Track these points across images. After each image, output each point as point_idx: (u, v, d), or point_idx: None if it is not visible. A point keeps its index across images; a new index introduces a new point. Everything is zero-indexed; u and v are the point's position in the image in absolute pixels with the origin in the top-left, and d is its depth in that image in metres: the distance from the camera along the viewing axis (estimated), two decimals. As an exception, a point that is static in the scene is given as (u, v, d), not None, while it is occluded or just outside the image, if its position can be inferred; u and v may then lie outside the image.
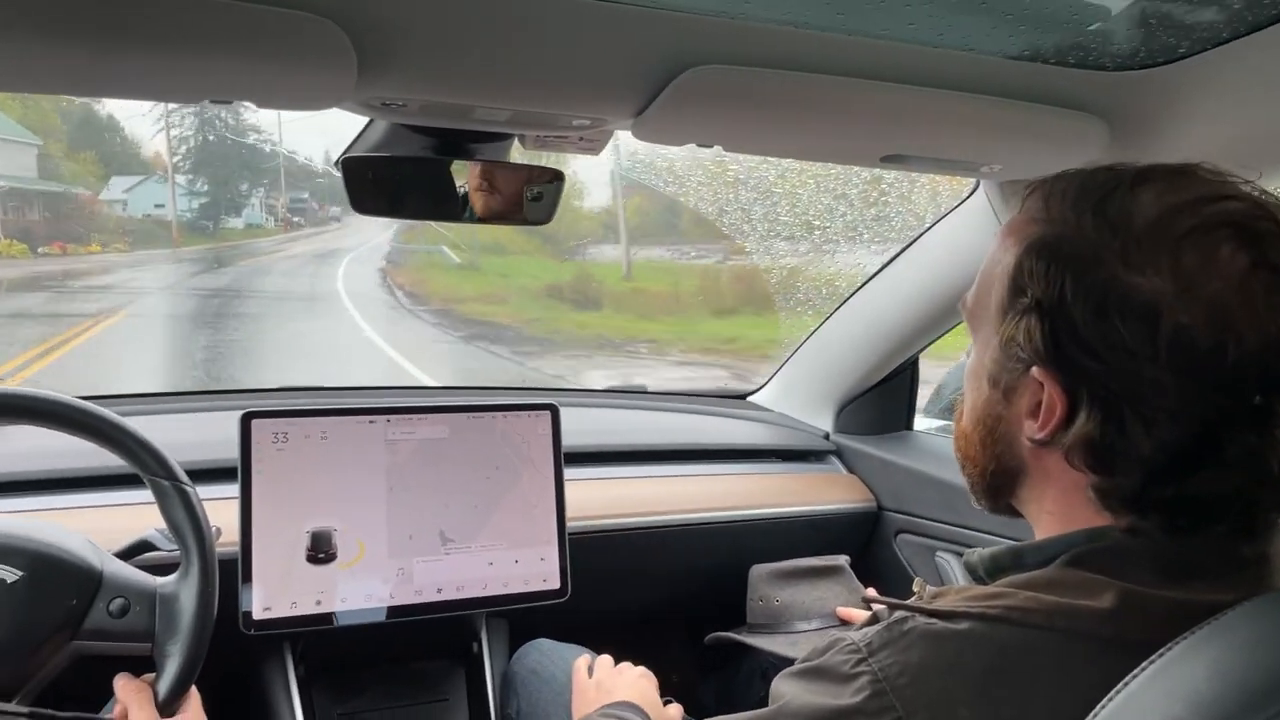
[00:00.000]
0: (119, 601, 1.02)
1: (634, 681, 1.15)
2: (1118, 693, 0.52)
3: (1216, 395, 0.60)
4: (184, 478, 1.05)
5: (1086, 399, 0.64)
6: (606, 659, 1.24)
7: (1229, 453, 0.61)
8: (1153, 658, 0.53)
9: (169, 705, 0.99)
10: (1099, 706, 0.52)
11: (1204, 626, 0.54)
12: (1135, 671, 0.53)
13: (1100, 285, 0.63)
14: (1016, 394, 0.69)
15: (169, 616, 1.02)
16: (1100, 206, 0.65)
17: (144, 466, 1.04)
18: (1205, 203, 0.63)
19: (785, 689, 0.70)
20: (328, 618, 1.28)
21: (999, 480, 0.74)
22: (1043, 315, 0.65)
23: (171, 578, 1.05)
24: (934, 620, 0.64)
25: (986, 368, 0.72)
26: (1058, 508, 0.70)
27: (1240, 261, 0.60)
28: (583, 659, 1.24)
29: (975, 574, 0.74)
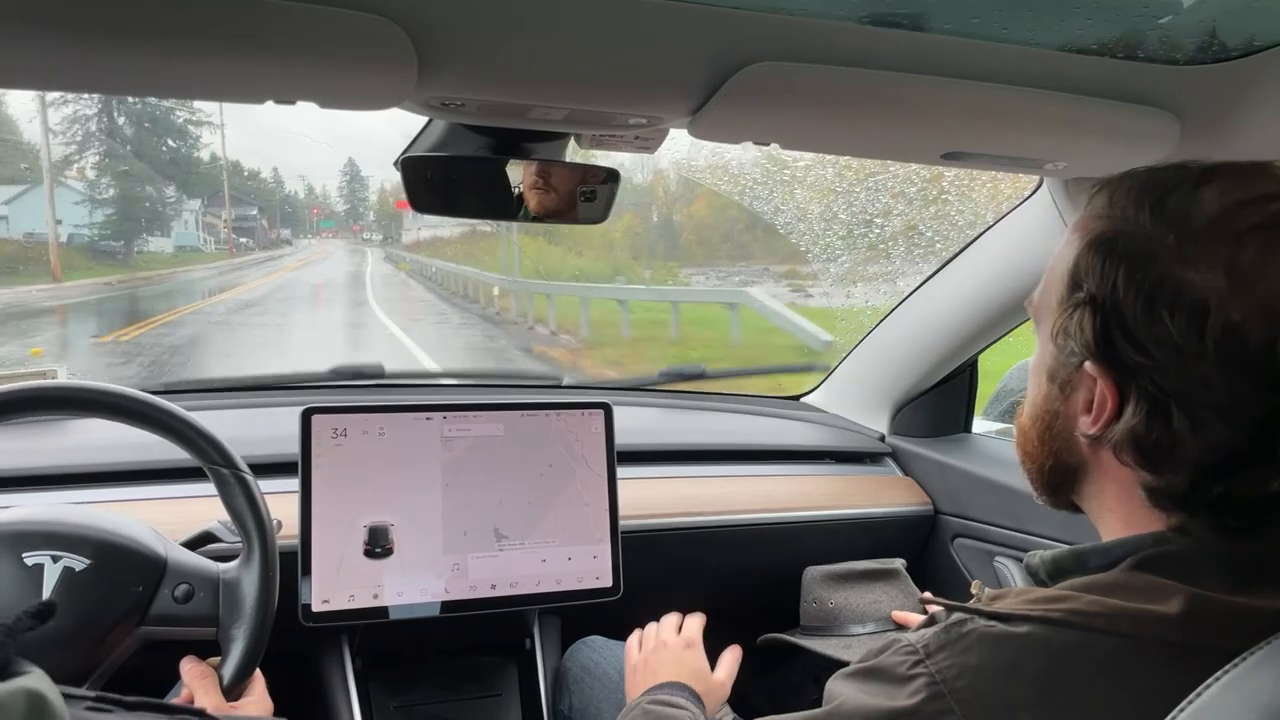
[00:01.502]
0: (184, 587, 1.05)
1: (678, 656, 1.15)
2: (1189, 703, 0.51)
3: (1267, 393, 0.60)
4: (243, 467, 1.07)
5: (1134, 394, 0.64)
6: (651, 629, 1.24)
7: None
8: (1226, 667, 0.51)
9: (234, 688, 1.02)
10: (1171, 716, 0.51)
11: (1279, 636, 0.52)
12: (1208, 681, 0.51)
13: (1152, 280, 0.62)
14: (1072, 389, 0.69)
15: (232, 601, 1.05)
16: (1160, 202, 0.65)
17: (205, 456, 1.07)
18: (1271, 200, 0.62)
19: (840, 690, 0.70)
20: (383, 611, 1.30)
21: (1058, 476, 0.74)
22: (1095, 309, 0.65)
23: (234, 564, 1.08)
24: (994, 623, 0.63)
25: (1046, 364, 0.72)
26: (1118, 505, 0.69)
27: None
28: (634, 636, 1.24)
29: (1036, 576, 0.73)
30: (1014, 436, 0.79)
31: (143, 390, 1.07)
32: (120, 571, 1.03)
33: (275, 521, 1.15)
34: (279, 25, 0.76)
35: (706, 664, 1.16)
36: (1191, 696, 0.51)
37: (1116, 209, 0.67)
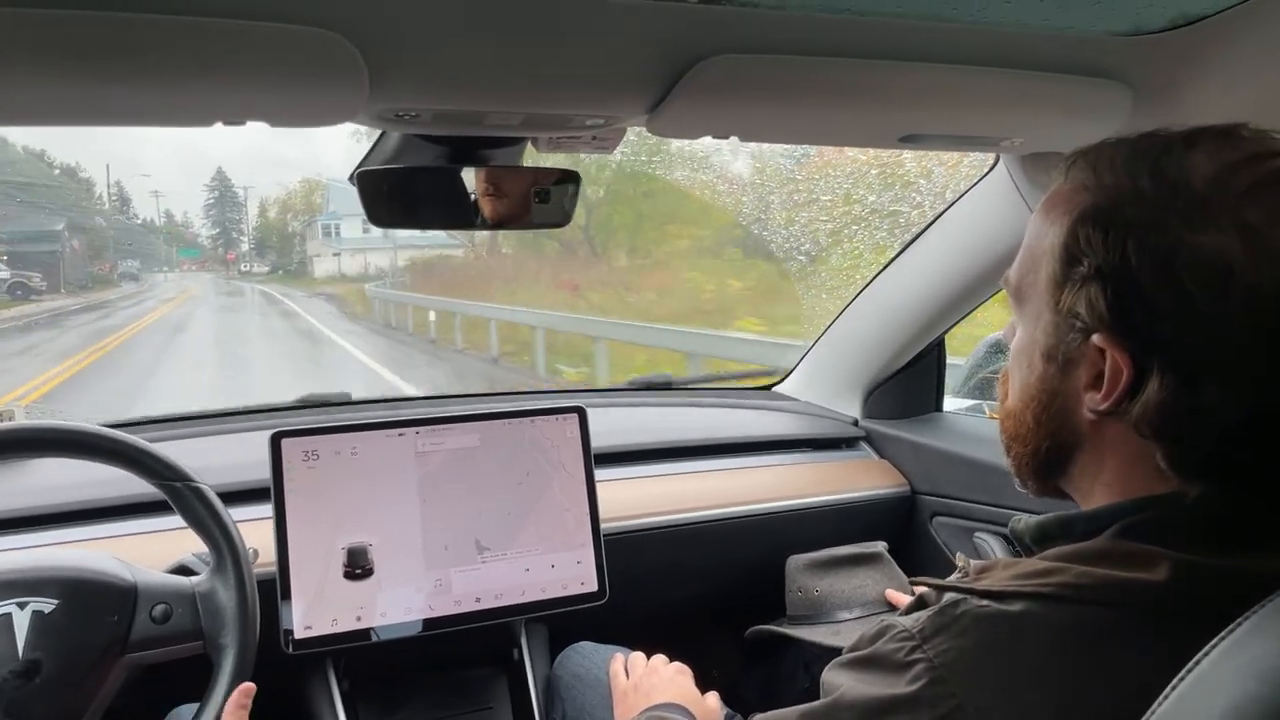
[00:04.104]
0: (160, 608, 1.04)
1: (671, 679, 1.14)
2: (1190, 670, 0.51)
3: None
4: (194, 477, 1.06)
5: (1157, 365, 0.62)
6: (639, 657, 1.23)
7: None
8: (1223, 634, 0.51)
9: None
10: (1170, 687, 0.51)
11: (1272, 600, 0.52)
12: (1206, 648, 0.51)
13: (1166, 247, 0.61)
14: (1074, 366, 0.68)
15: (213, 611, 1.05)
16: (1157, 169, 0.64)
17: (154, 474, 1.05)
18: (1261, 159, 0.62)
19: (838, 680, 0.69)
20: (368, 633, 1.28)
21: (1052, 457, 0.72)
22: (1105, 281, 0.64)
23: (204, 575, 1.08)
24: (987, 602, 0.63)
25: (1040, 343, 0.70)
26: (1115, 478, 0.68)
27: None
28: (617, 661, 1.23)
29: (1022, 542, 0.73)
30: (999, 421, 0.78)
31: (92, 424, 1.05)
32: (91, 605, 1.01)
33: (252, 550, 1.13)
34: (224, 45, 0.74)
35: (697, 690, 1.15)
36: (1190, 665, 0.51)
37: (1106, 179, 0.67)
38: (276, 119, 0.86)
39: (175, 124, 0.87)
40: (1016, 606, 0.62)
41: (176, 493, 1.05)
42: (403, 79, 0.82)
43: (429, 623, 1.31)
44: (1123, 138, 0.69)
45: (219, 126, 0.87)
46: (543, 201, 1.16)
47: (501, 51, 0.82)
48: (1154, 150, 0.66)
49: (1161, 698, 0.51)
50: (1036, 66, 0.97)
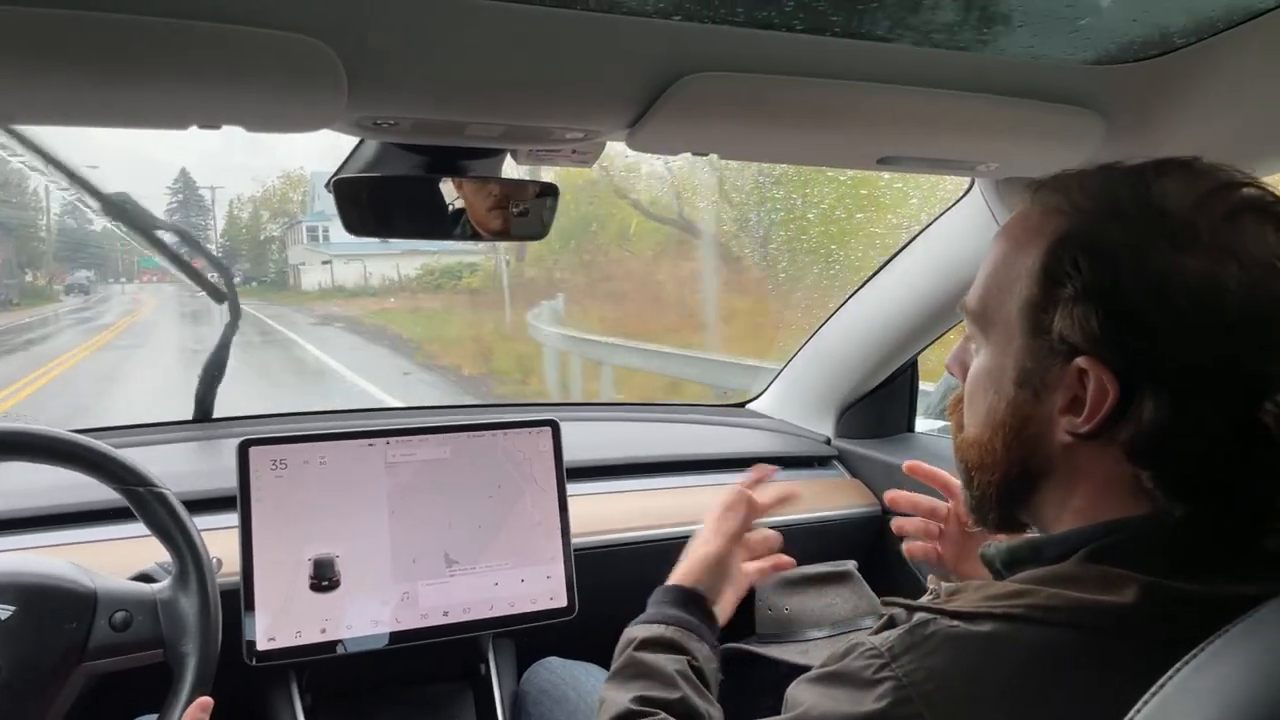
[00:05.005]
0: (120, 615, 1.03)
1: (698, 557, 1.07)
2: (1153, 695, 0.51)
3: (1274, 364, 0.61)
4: (159, 483, 1.05)
5: (1148, 386, 0.63)
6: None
7: (1275, 424, 0.61)
8: (1186, 658, 0.52)
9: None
10: (1135, 710, 0.51)
11: (1238, 623, 0.52)
12: (1169, 673, 0.51)
13: (1157, 269, 0.62)
14: (1050, 391, 0.68)
15: (174, 618, 1.03)
16: (1136, 195, 0.65)
17: (117, 479, 1.04)
18: (1231, 188, 0.65)
19: (803, 696, 0.68)
20: (333, 646, 1.26)
21: (1020, 484, 0.72)
22: (1094, 303, 0.64)
23: (166, 582, 1.06)
24: (957, 622, 0.63)
25: (1010, 368, 0.70)
26: (1086, 503, 0.68)
27: (1272, 238, 0.63)
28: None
29: (992, 566, 0.73)
30: (957, 451, 0.77)
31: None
32: (50, 612, 0.99)
33: (215, 560, 1.12)
34: (202, 49, 0.73)
35: (733, 530, 1.08)
36: (1154, 689, 0.51)
37: (1082, 204, 0.67)
38: (252, 124, 0.85)
39: (148, 126, 0.86)
40: (986, 627, 0.62)
41: (139, 498, 1.04)
42: (382, 88, 0.82)
43: (395, 636, 1.29)
44: (1089, 168, 0.70)
45: (194, 130, 0.86)
46: (522, 215, 1.16)
47: (482, 63, 0.82)
48: (1128, 177, 0.67)
49: None
50: (1012, 93, 0.98)
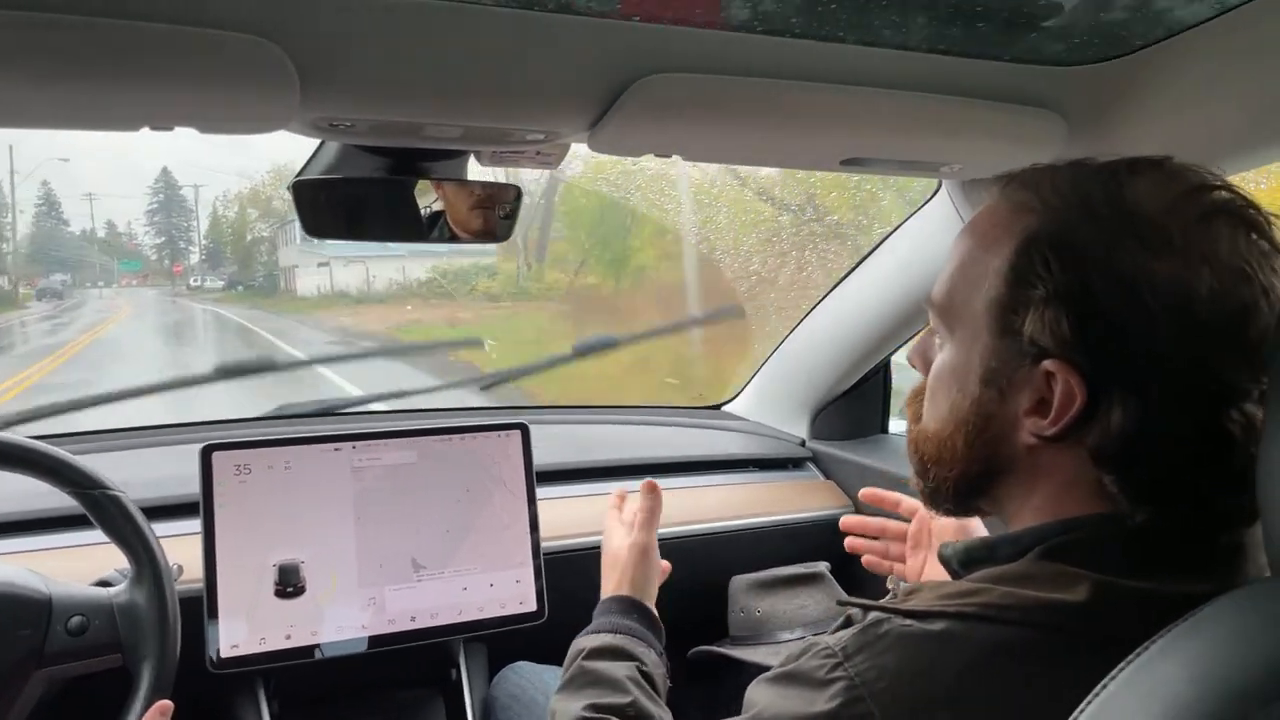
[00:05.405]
0: (76, 620, 1.02)
1: (630, 561, 1.10)
2: (1096, 695, 0.51)
3: (1241, 371, 0.61)
4: (111, 485, 1.04)
5: (1117, 390, 0.63)
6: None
7: (1239, 431, 0.61)
8: (1130, 657, 0.52)
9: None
10: (1078, 711, 0.51)
11: (1181, 623, 0.52)
12: (1113, 672, 0.51)
13: (1129, 272, 0.62)
14: (1015, 391, 0.67)
15: (131, 622, 1.03)
16: (1107, 194, 0.65)
17: (68, 482, 1.03)
18: (1204, 191, 0.64)
19: (759, 696, 0.68)
20: (298, 652, 1.25)
21: (978, 482, 0.72)
22: (1065, 306, 0.63)
23: (123, 586, 1.05)
24: (910, 621, 0.63)
25: (977, 367, 0.69)
26: (1045, 502, 0.68)
27: (1244, 243, 0.63)
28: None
29: (949, 566, 0.73)
30: (911, 443, 0.77)
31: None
32: (4, 619, 0.99)
33: (176, 566, 1.11)
34: (152, 49, 0.73)
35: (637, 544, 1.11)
36: (1098, 689, 0.51)
37: (1052, 202, 0.67)
38: (205, 126, 0.84)
39: (99, 128, 0.85)
40: (938, 626, 0.62)
41: (93, 501, 1.03)
42: (336, 88, 0.81)
43: (361, 642, 1.28)
44: (1059, 164, 0.69)
45: (146, 131, 0.85)
46: (496, 216, 1.15)
47: (438, 63, 0.81)
48: (1099, 175, 0.67)
49: None
50: (975, 94, 0.98)
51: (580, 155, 1.16)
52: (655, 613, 1.05)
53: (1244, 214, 0.64)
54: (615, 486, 1.69)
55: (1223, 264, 0.61)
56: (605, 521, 1.16)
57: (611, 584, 1.07)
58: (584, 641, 1.00)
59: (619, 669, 0.94)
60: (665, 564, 1.15)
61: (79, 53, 0.72)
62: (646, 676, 0.95)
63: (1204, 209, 0.63)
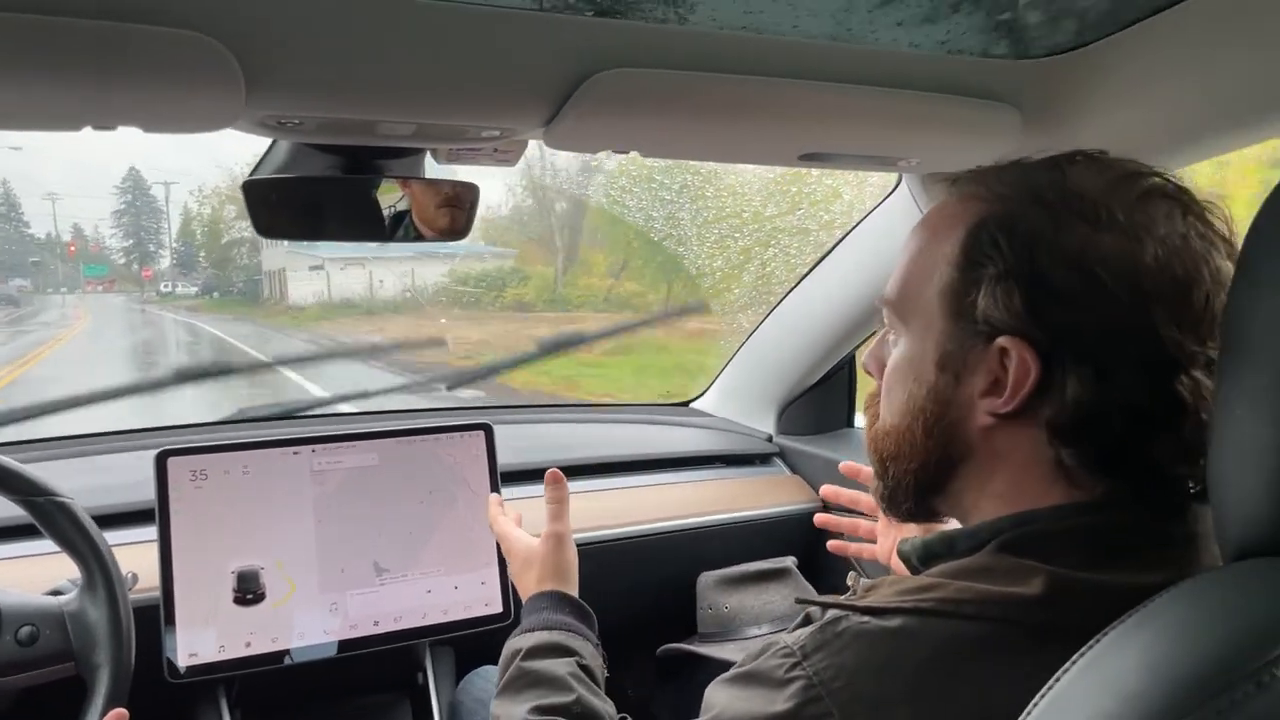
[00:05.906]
0: (26, 630, 1.00)
1: (544, 552, 1.05)
2: (1050, 688, 0.51)
3: (1188, 337, 0.62)
4: (58, 492, 1.02)
5: (1070, 361, 0.64)
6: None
7: (1189, 395, 0.62)
8: (1083, 649, 0.52)
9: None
10: (1031, 704, 0.51)
11: (1133, 614, 0.52)
12: (1066, 665, 0.51)
13: (1075, 245, 0.64)
14: (969, 374, 0.68)
15: (83, 630, 1.01)
16: (1053, 180, 0.67)
17: (12, 490, 1.01)
18: (1139, 177, 0.67)
19: (717, 697, 0.68)
20: (261, 659, 1.23)
21: (938, 471, 0.72)
22: (1015, 281, 0.65)
23: (73, 593, 1.04)
24: (867, 618, 0.63)
25: (931, 353, 0.70)
26: (1006, 487, 0.68)
27: (1180, 220, 0.65)
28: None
29: (909, 562, 0.73)
30: (870, 444, 0.77)
31: None
32: None
33: (130, 574, 1.08)
34: (90, 46, 0.70)
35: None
36: (1052, 681, 0.51)
37: (999, 190, 0.69)
38: (149, 124, 0.82)
39: (40, 128, 0.82)
40: (895, 622, 0.62)
41: (39, 509, 1.01)
42: (282, 85, 0.79)
43: (330, 647, 1.27)
44: (1000, 163, 0.71)
45: (88, 131, 0.83)
46: (449, 214, 1.14)
47: (387, 59, 0.80)
48: (1042, 166, 0.69)
49: (1024, 715, 0.51)
50: (931, 88, 0.98)
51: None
52: (584, 603, 1.02)
53: (1178, 195, 0.66)
54: (581, 485, 1.69)
55: (1163, 237, 0.63)
56: (496, 528, 1.12)
57: (532, 580, 1.03)
58: (519, 641, 0.97)
59: (559, 666, 0.92)
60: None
61: (12, 50, 0.69)
62: (586, 670, 0.93)
63: (1141, 190, 0.66)
